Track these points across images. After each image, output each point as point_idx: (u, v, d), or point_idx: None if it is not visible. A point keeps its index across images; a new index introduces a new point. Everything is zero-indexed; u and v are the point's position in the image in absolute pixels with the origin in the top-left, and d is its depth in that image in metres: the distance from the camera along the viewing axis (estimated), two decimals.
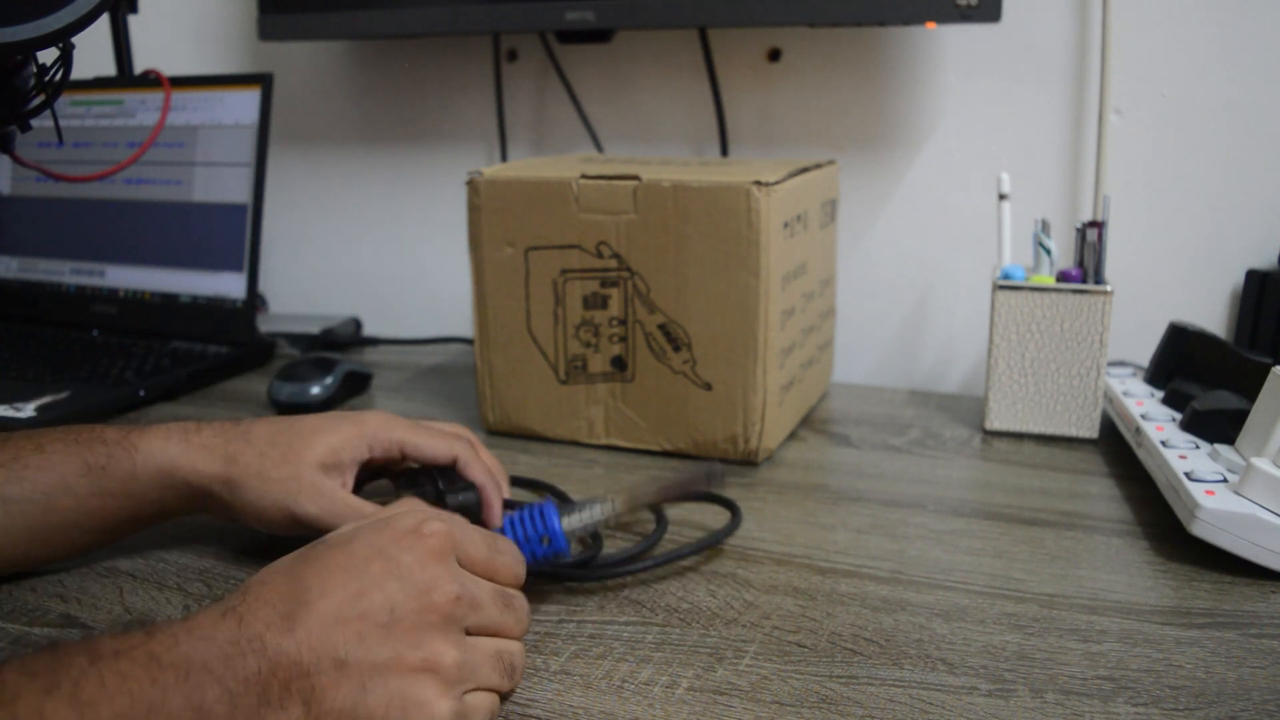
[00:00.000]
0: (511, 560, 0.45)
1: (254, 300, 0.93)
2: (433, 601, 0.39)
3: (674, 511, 0.61)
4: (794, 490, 0.65)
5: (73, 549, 0.53)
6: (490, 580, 0.43)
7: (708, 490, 0.51)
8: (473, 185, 0.71)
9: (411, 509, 0.45)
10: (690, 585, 0.52)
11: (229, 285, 0.95)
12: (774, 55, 0.93)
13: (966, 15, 0.76)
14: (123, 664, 0.32)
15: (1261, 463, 0.53)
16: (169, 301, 0.97)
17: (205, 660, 0.34)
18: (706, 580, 0.53)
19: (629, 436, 0.72)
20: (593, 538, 0.55)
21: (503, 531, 0.50)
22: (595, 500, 0.51)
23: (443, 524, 0.42)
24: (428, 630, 0.38)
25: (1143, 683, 0.43)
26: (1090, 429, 0.73)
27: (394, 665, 0.37)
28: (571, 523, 0.50)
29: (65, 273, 1.03)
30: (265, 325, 1.02)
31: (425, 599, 0.39)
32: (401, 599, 0.38)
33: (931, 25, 0.86)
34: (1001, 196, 0.76)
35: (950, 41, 0.87)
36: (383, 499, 0.53)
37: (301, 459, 0.52)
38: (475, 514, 0.54)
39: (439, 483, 0.54)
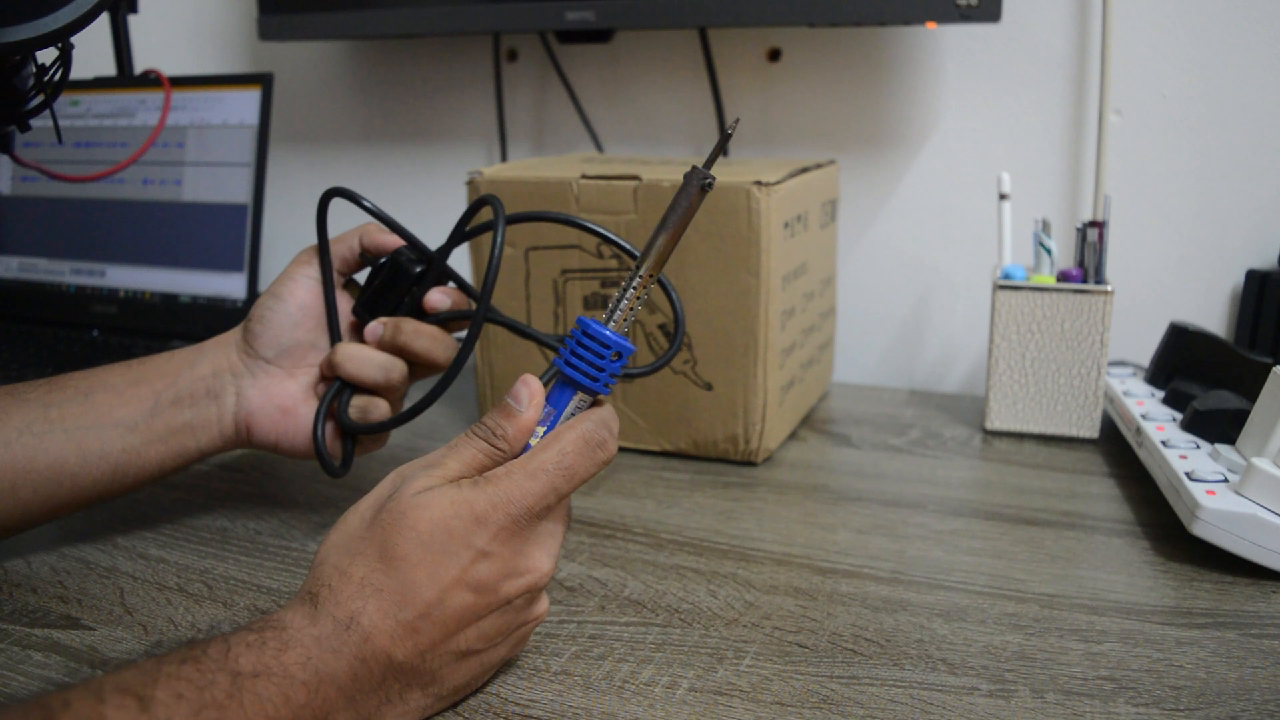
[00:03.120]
0: (575, 462, 0.41)
1: (254, 300, 0.93)
2: (535, 582, 0.41)
3: (679, 507, 0.61)
4: (794, 490, 0.65)
5: (115, 469, 0.52)
6: (577, 485, 0.42)
7: (705, 182, 0.40)
8: (473, 185, 0.71)
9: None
10: (691, 585, 0.52)
11: (229, 285, 0.95)
12: (774, 55, 0.93)
13: (966, 15, 0.76)
14: (260, 685, 0.34)
15: (1262, 463, 0.53)
16: (169, 301, 0.97)
17: (334, 674, 0.36)
18: (707, 580, 0.53)
19: (629, 437, 0.72)
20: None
21: (571, 381, 0.43)
22: (622, 286, 0.43)
23: (515, 505, 0.40)
24: (531, 602, 0.42)
25: (1143, 683, 0.43)
26: (1091, 429, 0.73)
27: (508, 636, 0.42)
28: (618, 322, 0.43)
29: (65, 273, 1.03)
30: None
31: (529, 580, 0.41)
32: (512, 590, 0.40)
33: (931, 25, 0.86)
34: (1002, 196, 0.76)
35: (950, 41, 0.87)
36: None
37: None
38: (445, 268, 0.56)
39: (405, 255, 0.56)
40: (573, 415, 0.43)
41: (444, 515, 0.39)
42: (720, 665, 0.45)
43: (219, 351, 0.56)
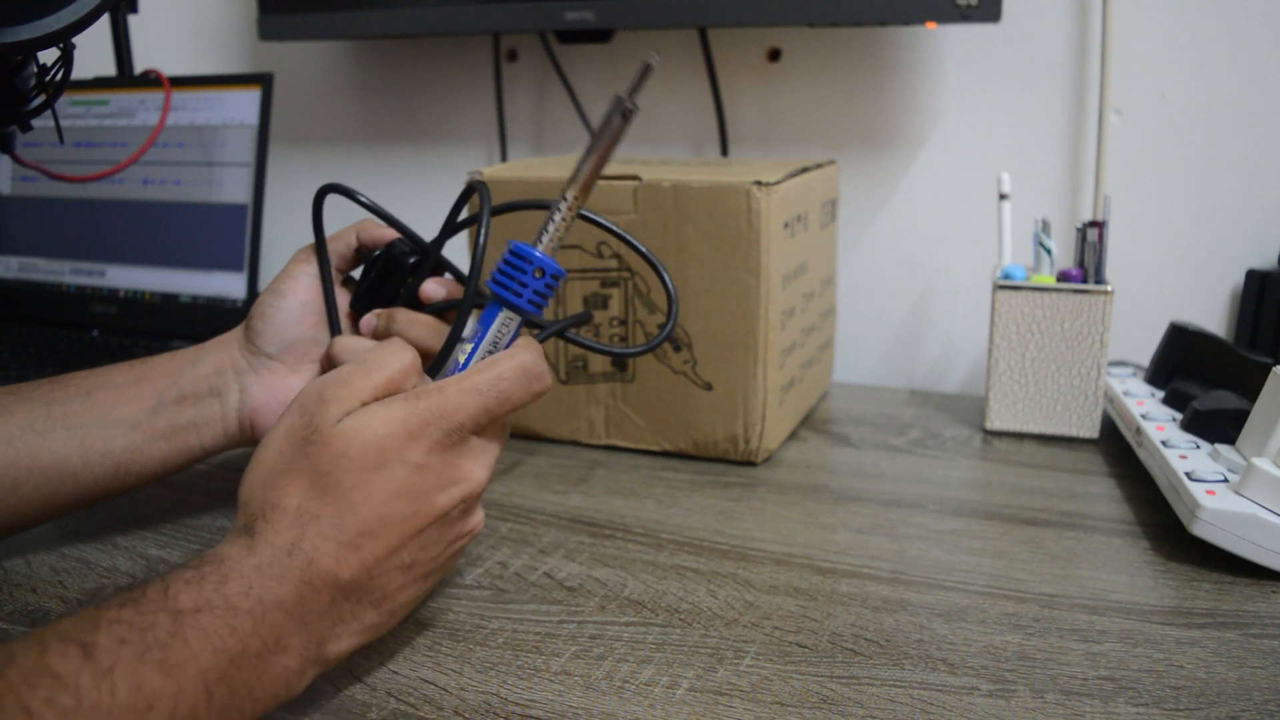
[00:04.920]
0: (511, 388, 0.43)
1: (254, 300, 0.93)
2: (469, 491, 0.42)
3: (679, 507, 0.61)
4: (794, 490, 0.65)
5: (117, 467, 0.52)
6: (509, 410, 0.44)
7: (625, 108, 0.43)
8: None
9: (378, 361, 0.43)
10: (691, 585, 0.52)
11: (229, 285, 0.95)
12: (774, 55, 0.93)
13: (966, 15, 0.76)
14: (204, 620, 0.34)
15: (1262, 463, 0.53)
16: (169, 301, 0.97)
17: (279, 600, 0.36)
18: (707, 580, 0.53)
19: (629, 436, 0.72)
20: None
21: (496, 297, 0.45)
22: (550, 210, 0.45)
23: (447, 420, 0.41)
24: (468, 511, 0.44)
25: (1144, 683, 0.43)
26: (1090, 429, 0.73)
27: (449, 547, 0.43)
28: (546, 243, 0.45)
29: (65, 273, 1.03)
30: None
31: (463, 490, 0.42)
32: (447, 500, 0.41)
33: (931, 25, 0.86)
34: (1002, 196, 0.76)
35: (950, 41, 0.87)
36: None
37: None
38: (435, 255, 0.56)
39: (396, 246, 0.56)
40: (499, 333, 0.45)
41: (376, 436, 0.39)
42: (720, 665, 0.45)
43: (221, 350, 0.56)
